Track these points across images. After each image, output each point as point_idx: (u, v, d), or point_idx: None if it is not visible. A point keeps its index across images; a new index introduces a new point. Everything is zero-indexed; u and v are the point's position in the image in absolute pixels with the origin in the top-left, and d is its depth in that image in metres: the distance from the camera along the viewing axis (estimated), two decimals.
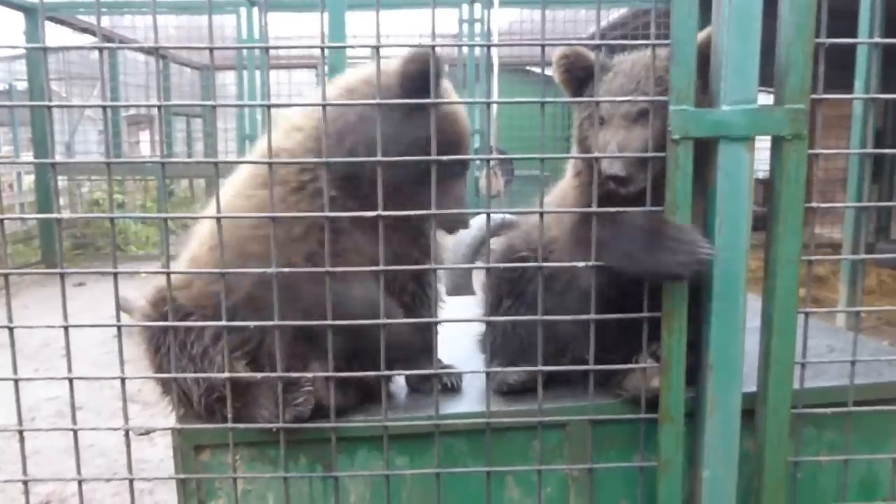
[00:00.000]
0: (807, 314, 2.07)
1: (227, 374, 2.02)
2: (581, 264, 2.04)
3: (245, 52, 11.64)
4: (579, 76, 2.29)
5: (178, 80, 16.64)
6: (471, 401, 2.36)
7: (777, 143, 2.00)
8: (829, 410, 2.14)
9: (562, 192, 2.51)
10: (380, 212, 1.94)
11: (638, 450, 2.22)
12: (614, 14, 11.84)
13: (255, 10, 11.26)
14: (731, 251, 1.99)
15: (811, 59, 1.95)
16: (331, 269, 1.95)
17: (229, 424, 2.03)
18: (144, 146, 22.17)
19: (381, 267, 1.97)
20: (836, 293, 6.79)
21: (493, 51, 10.33)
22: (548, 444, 2.23)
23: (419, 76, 2.09)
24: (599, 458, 2.22)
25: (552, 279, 2.34)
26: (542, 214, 2.02)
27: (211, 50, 1.89)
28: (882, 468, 2.31)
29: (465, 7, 11.38)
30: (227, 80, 15.56)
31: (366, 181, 2.13)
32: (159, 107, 1.98)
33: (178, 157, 16.42)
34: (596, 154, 2.13)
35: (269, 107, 1.94)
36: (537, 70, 16.23)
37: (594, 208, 2.01)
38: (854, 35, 5.24)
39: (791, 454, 2.10)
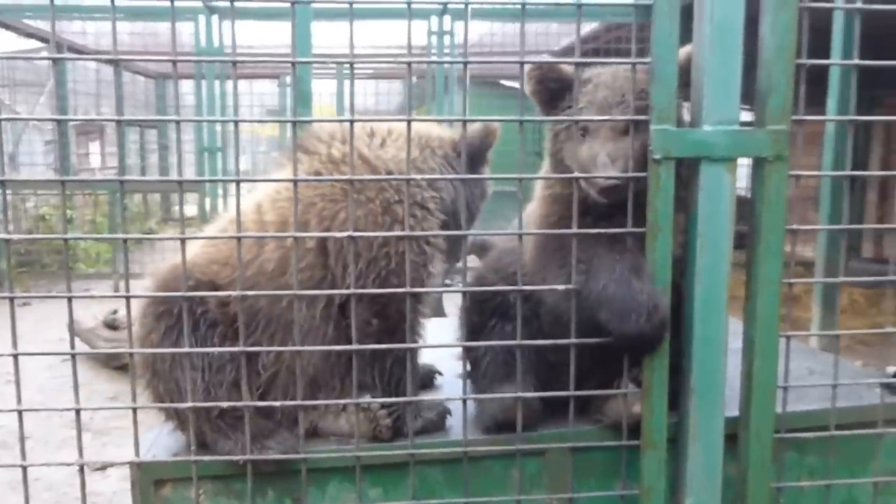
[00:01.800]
0: (788, 337, 2.04)
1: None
2: (561, 287, 1.98)
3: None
4: (552, 87, 2.23)
5: (132, 89, 16.27)
6: (447, 428, 2.28)
7: (758, 165, 1.97)
8: (811, 435, 2.11)
9: (534, 210, 2.45)
10: (350, 233, 1.86)
11: (618, 477, 2.16)
12: (586, 28, 11.91)
13: (215, 17, 11.04)
14: (712, 274, 1.95)
15: (792, 80, 1.93)
16: (298, 292, 1.87)
17: (192, 457, 1.92)
18: (94, 158, 21.59)
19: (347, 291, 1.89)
20: (808, 312, 6.86)
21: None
22: (526, 472, 2.16)
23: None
24: (579, 486, 2.16)
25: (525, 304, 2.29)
26: (521, 237, 1.96)
27: (174, 63, 1.79)
28: (862, 492, 2.29)
29: (435, 19, 11.35)
30: (183, 90, 15.32)
31: None
32: (119, 121, 1.86)
33: (131, 169, 16.03)
34: (580, 174, 2.07)
35: (236, 122, 1.85)
36: (507, 83, 16.27)
37: (574, 229, 1.96)
38: (827, 52, 5.30)
39: (774, 479, 2.06)
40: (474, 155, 2.38)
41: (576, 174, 2.08)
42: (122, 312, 7.46)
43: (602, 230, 1.98)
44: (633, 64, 1.96)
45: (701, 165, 1.93)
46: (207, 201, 11.58)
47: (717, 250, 1.95)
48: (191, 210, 12.21)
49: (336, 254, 2.17)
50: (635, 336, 1.90)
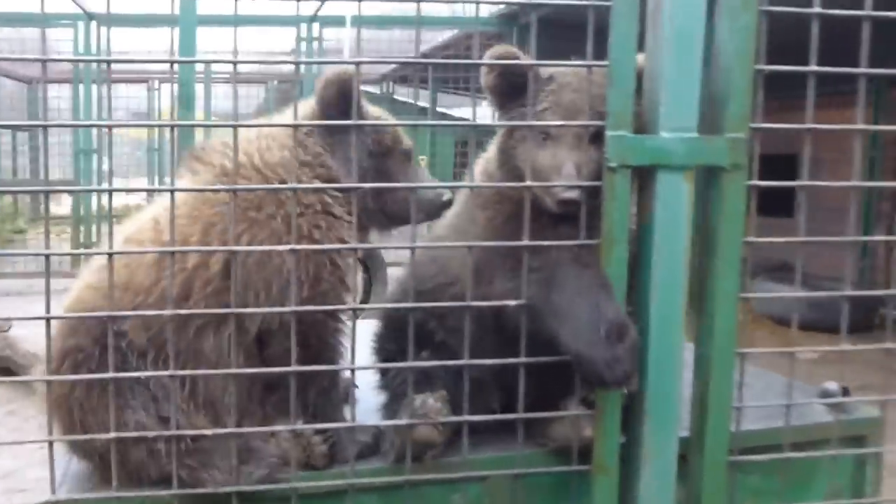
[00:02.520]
0: (742, 355, 1.95)
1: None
2: (512, 303, 1.85)
3: (81, 65, 11.09)
4: (512, 82, 2.07)
5: (3, 93, 15.75)
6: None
7: (715, 174, 1.88)
8: (766, 457, 2.03)
9: (464, 216, 2.30)
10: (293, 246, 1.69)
11: (563, 500, 2.05)
12: (447, 34, 12.22)
13: (94, 24, 10.69)
14: (669, 289, 1.85)
15: (751, 86, 1.85)
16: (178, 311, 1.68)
17: (114, 493, 1.71)
18: None
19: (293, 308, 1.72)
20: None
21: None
22: (468, 497, 2.01)
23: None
24: None
25: (453, 318, 2.15)
26: (470, 248, 1.82)
27: (44, 63, 1.61)
28: None
29: (304, 26, 11.36)
30: (57, 94, 14.84)
31: None
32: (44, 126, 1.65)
33: (4, 171, 15.65)
34: (537, 182, 1.93)
35: (109, 126, 1.65)
36: (373, 90, 16.15)
37: (526, 241, 1.83)
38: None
39: None
40: (332, 103, 2.09)
41: (531, 182, 1.91)
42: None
43: (554, 242, 1.86)
44: (589, 66, 1.85)
45: (658, 173, 1.83)
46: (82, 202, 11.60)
47: (674, 264, 1.85)
48: (63, 209, 12.34)
49: (244, 281, 1.96)
50: (599, 360, 1.74)
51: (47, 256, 1.63)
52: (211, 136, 2.27)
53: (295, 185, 1.89)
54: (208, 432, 1.83)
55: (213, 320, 1.96)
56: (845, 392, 2.25)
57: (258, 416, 2.02)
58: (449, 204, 2.21)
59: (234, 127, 1.74)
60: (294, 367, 1.76)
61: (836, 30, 1.94)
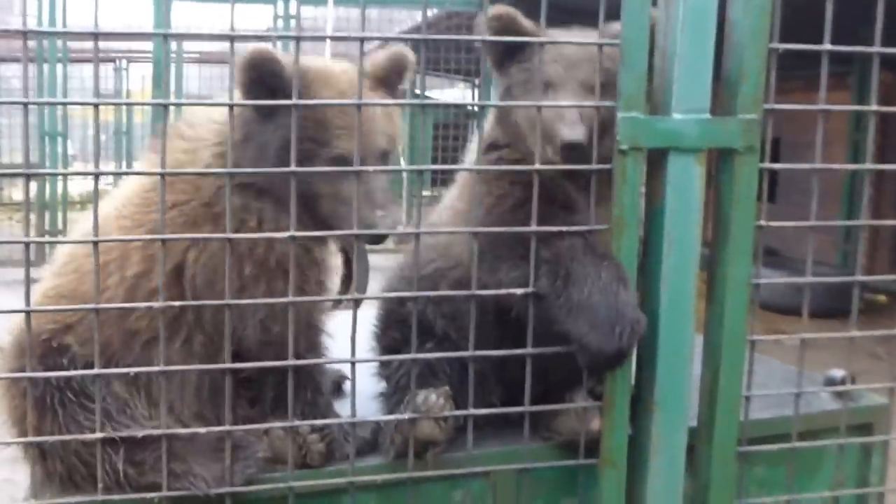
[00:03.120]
0: (752, 342, 1.90)
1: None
2: (519, 291, 1.77)
3: (44, 42, 10.62)
4: (508, 43, 2.01)
5: None
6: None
7: (727, 157, 1.82)
8: (775, 447, 1.99)
9: (465, 197, 2.20)
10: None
11: (567, 494, 2.00)
12: (429, 13, 12.04)
13: None
14: (680, 276, 1.79)
15: (765, 66, 1.78)
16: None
17: (100, 497, 1.60)
18: None
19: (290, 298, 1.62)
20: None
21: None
22: (471, 493, 1.94)
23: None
24: None
25: (449, 305, 2.08)
26: (475, 234, 1.74)
27: None
28: (811, 502, 2.21)
29: (281, 3, 11.11)
30: (8, 73, 14.37)
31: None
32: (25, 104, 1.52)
33: None
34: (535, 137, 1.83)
35: (96, 105, 1.53)
36: None
37: (534, 227, 1.74)
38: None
39: (735, 496, 1.92)
40: (249, 91, 1.82)
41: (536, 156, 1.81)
42: None
43: (564, 228, 1.79)
44: (600, 45, 1.76)
45: (669, 156, 1.76)
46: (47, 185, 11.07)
47: (686, 250, 1.78)
48: (21, 194, 11.95)
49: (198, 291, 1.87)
50: (613, 354, 1.69)
51: (27, 245, 1.50)
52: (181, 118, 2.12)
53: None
54: (202, 430, 1.72)
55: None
56: (851, 379, 2.21)
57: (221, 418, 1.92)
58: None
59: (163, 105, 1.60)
60: (292, 362, 1.66)
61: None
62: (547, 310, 1.76)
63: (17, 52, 12.46)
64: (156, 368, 1.63)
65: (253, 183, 1.88)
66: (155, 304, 1.60)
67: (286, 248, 1.74)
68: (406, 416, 1.78)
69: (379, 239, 1.88)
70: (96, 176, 1.51)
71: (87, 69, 13.70)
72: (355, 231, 1.72)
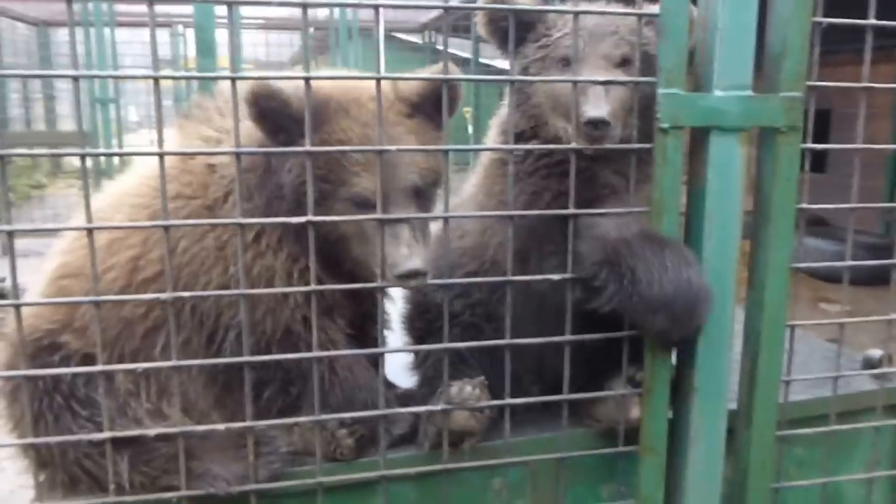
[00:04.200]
0: (792, 327, 1.86)
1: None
2: (556, 277, 1.72)
3: (90, 6, 10.37)
4: (503, 27, 1.90)
5: (12, 37, 14.77)
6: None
7: (768, 136, 1.76)
8: (814, 430, 1.95)
9: (483, 179, 2.15)
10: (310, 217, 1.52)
11: (606, 480, 1.97)
12: None
13: None
14: (721, 260, 1.74)
15: (808, 42, 1.72)
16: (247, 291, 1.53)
17: (112, 499, 1.56)
18: None
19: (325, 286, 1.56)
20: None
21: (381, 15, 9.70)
22: (509, 481, 1.91)
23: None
24: (566, 493, 1.92)
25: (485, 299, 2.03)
26: (511, 217, 1.68)
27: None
28: (847, 482, 2.18)
29: None
30: (58, 38, 14.02)
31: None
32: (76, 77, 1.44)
33: (14, 121, 14.62)
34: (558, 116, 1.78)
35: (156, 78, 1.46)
36: (402, 37, 15.71)
37: (571, 210, 1.69)
38: None
39: (773, 480, 1.89)
40: (259, 125, 1.73)
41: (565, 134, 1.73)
42: (8, 282, 6.76)
43: (598, 211, 1.73)
44: (640, 16, 1.69)
45: (710, 136, 1.70)
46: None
47: (727, 233, 1.73)
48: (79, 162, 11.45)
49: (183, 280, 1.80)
50: (691, 336, 1.65)
51: (10, 233, 1.41)
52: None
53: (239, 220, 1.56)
54: (221, 427, 1.65)
55: (162, 324, 1.81)
56: (889, 360, 2.18)
57: (226, 413, 1.89)
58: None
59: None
60: (315, 353, 1.60)
61: None
62: (615, 305, 1.68)
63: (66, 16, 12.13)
64: (168, 364, 1.56)
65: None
66: (162, 296, 1.53)
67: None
68: (440, 407, 1.74)
69: (406, 280, 1.71)
70: (161, 156, 1.45)
71: (139, 34, 13.29)
72: (379, 284, 1.65)
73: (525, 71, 1.98)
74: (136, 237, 1.83)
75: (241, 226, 1.53)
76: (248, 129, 1.70)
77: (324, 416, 1.62)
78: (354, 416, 1.77)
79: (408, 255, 1.65)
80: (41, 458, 1.75)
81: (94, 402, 1.74)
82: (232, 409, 1.86)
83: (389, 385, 2.12)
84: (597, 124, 1.76)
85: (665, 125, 1.66)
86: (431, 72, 1.82)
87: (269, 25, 14.82)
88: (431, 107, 1.77)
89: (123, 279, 1.81)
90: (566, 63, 1.90)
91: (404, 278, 1.66)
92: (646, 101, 1.70)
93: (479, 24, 1.98)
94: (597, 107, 1.76)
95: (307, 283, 1.59)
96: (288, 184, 1.74)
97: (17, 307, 1.48)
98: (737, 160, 1.72)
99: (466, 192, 2.21)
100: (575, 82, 1.70)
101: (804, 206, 1.79)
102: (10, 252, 1.42)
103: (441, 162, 1.73)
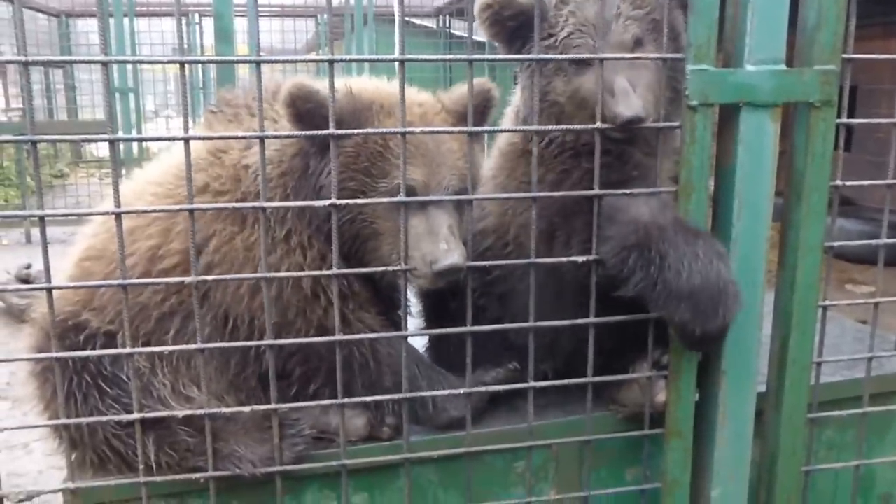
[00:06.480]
0: (824, 308, 1.81)
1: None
2: (580, 259, 1.68)
3: None
4: (510, 25, 1.88)
5: (33, 27, 14.85)
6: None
7: (802, 112, 1.70)
8: (845, 413, 1.91)
9: (504, 163, 2.10)
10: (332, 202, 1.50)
11: (630, 464, 1.95)
12: None
13: None
14: (750, 241, 1.69)
15: (844, 13, 1.65)
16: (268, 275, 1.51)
17: (142, 478, 1.56)
18: None
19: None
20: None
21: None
22: (532, 465, 1.89)
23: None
24: (590, 476, 1.90)
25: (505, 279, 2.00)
26: (535, 199, 1.64)
27: None
28: (880, 465, 2.14)
29: None
30: (86, 28, 14.11)
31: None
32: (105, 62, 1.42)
33: (37, 111, 14.73)
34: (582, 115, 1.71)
35: (258, 62, 1.44)
36: (418, 21, 15.52)
37: (597, 191, 1.65)
38: None
39: (803, 463, 1.86)
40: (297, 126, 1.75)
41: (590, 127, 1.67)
42: (37, 267, 6.83)
43: (625, 191, 1.68)
44: None
45: (741, 112, 1.64)
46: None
47: (758, 213, 1.68)
48: (102, 150, 11.59)
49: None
50: (717, 333, 1.58)
51: (42, 218, 1.42)
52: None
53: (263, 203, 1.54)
54: (246, 410, 1.65)
55: (178, 310, 1.82)
56: None
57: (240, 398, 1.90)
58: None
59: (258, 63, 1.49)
60: (339, 337, 1.58)
61: None
62: (638, 292, 1.64)
63: (91, 6, 12.22)
64: (193, 346, 1.56)
65: (309, 222, 1.82)
66: (186, 279, 1.52)
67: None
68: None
69: (445, 276, 1.72)
70: (186, 140, 1.44)
71: (156, 24, 13.45)
72: (402, 267, 1.61)
73: (540, 70, 1.89)
74: (156, 227, 1.83)
75: (263, 209, 1.52)
76: (286, 130, 1.76)
77: (345, 400, 1.61)
78: (374, 399, 1.75)
79: (447, 249, 1.67)
80: (72, 439, 1.77)
81: (119, 381, 1.76)
82: (246, 394, 1.87)
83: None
84: (633, 121, 1.69)
85: (693, 102, 1.61)
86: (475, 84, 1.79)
87: (284, 13, 14.83)
88: (475, 118, 1.74)
89: (142, 266, 1.82)
90: (580, 60, 1.82)
91: (443, 274, 1.69)
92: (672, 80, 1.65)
93: (482, 26, 1.91)
94: (629, 106, 1.68)
95: (336, 283, 1.58)
96: (326, 186, 1.73)
97: (49, 290, 1.49)
98: (769, 137, 1.66)
99: (484, 175, 2.17)
100: (602, 59, 1.64)
101: (838, 182, 1.74)
102: (42, 235, 1.43)
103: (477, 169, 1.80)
